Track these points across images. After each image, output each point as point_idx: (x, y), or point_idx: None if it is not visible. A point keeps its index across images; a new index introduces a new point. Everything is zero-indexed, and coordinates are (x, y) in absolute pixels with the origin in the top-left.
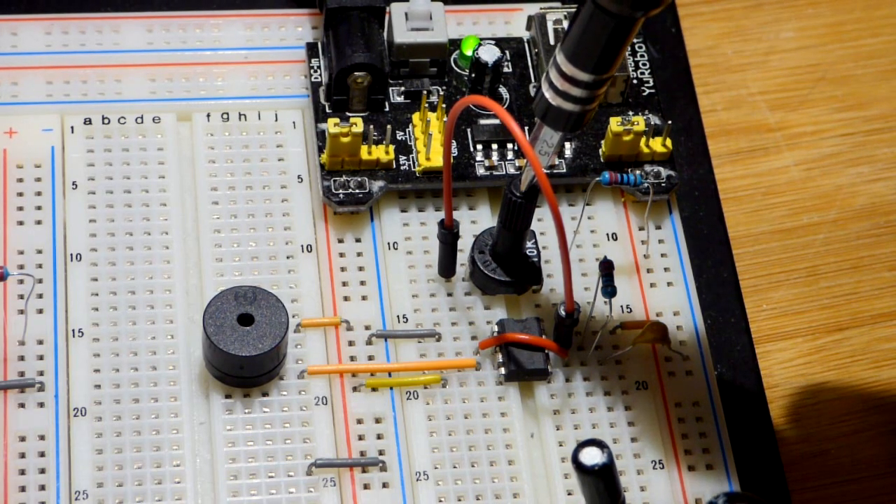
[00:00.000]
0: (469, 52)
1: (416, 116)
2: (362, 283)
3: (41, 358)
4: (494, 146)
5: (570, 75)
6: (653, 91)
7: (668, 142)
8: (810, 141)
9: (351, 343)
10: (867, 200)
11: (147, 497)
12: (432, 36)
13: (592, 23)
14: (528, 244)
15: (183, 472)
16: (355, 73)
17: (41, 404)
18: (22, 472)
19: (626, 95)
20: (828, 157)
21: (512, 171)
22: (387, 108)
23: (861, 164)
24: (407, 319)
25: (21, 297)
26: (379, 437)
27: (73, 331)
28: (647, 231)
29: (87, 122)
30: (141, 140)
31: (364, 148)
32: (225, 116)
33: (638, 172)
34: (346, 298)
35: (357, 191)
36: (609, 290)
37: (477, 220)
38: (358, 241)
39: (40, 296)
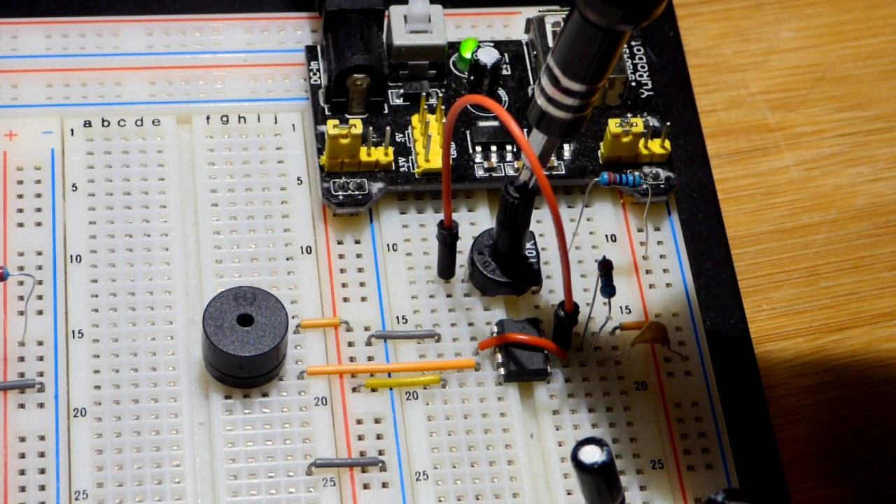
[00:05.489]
0: (468, 55)
1: (415, 118)
2: (362, 284)
3: (41, 359)
4: (493, 148)
5: (562, 84)
6: (651, 93)
7: (667, 143)
8: (810, 141)
9: (350, 344)
10: (867, 200)
11: (147, 497)
12: (431, 38)
13: (581, 35)
14: (528, 245)
15: (183, 472)
16: (354, 76)
17: (41, 405)
18: (22, 472)
19: (625, 97)
20: (828, 157)
21: (511, 172)
22: (386, 110)
23: (861, 164)
24: (406, 320)
25: (21, 298)
26: (379, 437)
27: (73, 332)
28: (646, 232)
29: (87, 124)
30: (140, 142)
31: (363, 150)
32: (224, 119)
33: (637, 173)
34: (345, 299)
35: (356, 192)
36: (608, 290)
37: (476, 221)
38: (357, 242)
39: (40, 297)
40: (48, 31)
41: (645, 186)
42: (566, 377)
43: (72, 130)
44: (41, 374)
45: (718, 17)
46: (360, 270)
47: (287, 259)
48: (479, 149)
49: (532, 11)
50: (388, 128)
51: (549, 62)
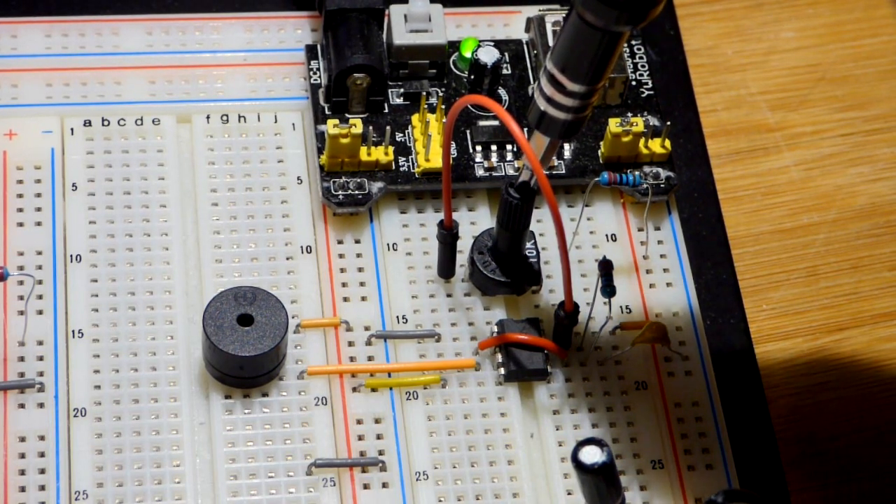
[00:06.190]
0: (468, 54)
1: (415, 118)
2: (362, 283)
3: (41, 358)
4: (493, 147)
5: (561, 85)
6: (651, 93)
7: (668, 143)
8: (810, 141)
9: (350, 343)
10: (867, 200)
11: (147, 497)
12: (431, 38)
13: (579, 36)
14: (528, 245)
15: (183, 472)
16: (354, 75)
17: (41, 405)
18: (22, 472)
19: (625, 97)
20: (828, 157)
21: (511, 172)
22: (386, 110)
23: (861, 164)
24: (406, 320)
25: (21, 297)
26: (379, 437)
27: (73, 331)
28: (646, 232)
29: (87, 123)
30: (140, 142)
31: (363, 149)
32: (224, 118)
33: (637, 173)
34: (345, 299)
35: (356, 192)
36: (608, 290)
37: (476, 221)
38: (357, 242)
39: (40, 297)
40: (48, 31)
41: (645, 186)
42: (566, 377)
43: (72, 130)
44: (41, 374)
45: (719, 17)
46: (360, 270)
47: (287, 259)
48: (479, 148)
49: (532, 10)
50: (388, 127)
51: (548, 63)
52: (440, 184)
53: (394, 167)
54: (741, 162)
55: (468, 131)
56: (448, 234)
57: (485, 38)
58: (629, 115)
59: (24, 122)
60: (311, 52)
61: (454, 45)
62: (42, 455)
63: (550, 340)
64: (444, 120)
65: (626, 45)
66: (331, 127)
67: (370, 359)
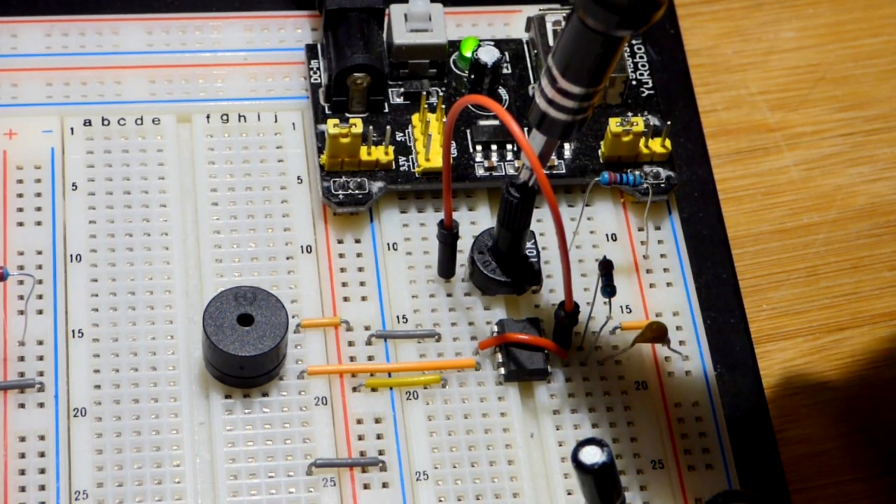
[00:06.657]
0: (468, 54)
1: (415, 117)
2: (362, 283)
3: (41, 358)
4: (494, 147)
5: (562, 87)
6: (652, 92)
7: (668, 142)
8: (810, 141)
9: (351, 343)
10: (867, 200)
11: (147, 497)
12: (432, 37)
13: (580, 39)
14: (528, 244)
15: (183, 472)
16: (355, 75)
17: (41, 404)
18: (22, 472)
19: (626, 96)
20: (828, 157)
21: (511, 171)
22: (386, 109)
23: (861, 164)
24: (406, 320)
25: (21, 297)
26: (379, 437)
27: (73, 331)
28: (646, 231)
29: (87, 123)
30: (140, 141)
31: (363, 149)
32: (224, 118)
33: (637, 173)
34: (345, 299)
35: (356, 191)
36: (608, 289)
37: (476, 220)
38: (357, 241)
39: (40, 296)
40: (48, 30)
41: (645, 186)
42: (566, 377)
43: (72, 129)
44: (41, 374)
45: (718, 17)
46: (360, 270)
47: (287, 258)
48: (479, 148)
49: (533, 10)
50: (388, 127)
51: (549, 64)
52: (440, 183)
53: (394, 167)
54: (741, 162)
55: (468, 131)
56: (448, 234)
57: (485, 38)
58: (629, 114)
59: (24, 122)
60: (311, 51)
61: (454, 45)
62: (42, 455)
63: (550, 340)
64: (444, 119)
65: (626, 44)
66: (331, 126)
67: (370, 359)
